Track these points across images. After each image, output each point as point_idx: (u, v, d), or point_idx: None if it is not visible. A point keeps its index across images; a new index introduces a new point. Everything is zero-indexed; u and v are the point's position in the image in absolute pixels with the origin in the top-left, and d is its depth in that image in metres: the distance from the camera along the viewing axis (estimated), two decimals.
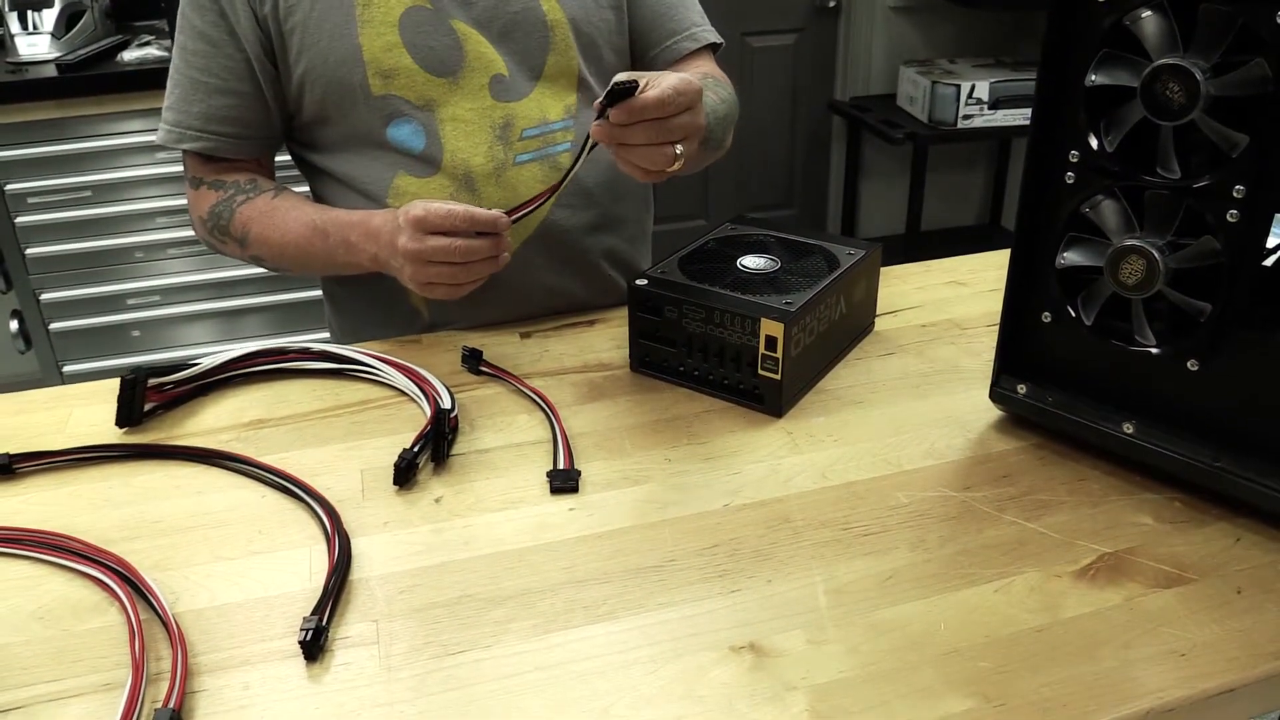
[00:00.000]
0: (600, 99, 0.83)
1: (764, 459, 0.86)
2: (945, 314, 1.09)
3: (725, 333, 0.91)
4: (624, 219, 1.13)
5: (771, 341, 0.88)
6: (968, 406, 0.92)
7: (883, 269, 1.10)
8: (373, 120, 1.02)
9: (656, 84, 0.83)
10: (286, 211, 1.02)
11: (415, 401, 0.94)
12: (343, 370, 0.99)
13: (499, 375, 0.98)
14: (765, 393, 0.91)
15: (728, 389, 0.94)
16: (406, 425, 0.91)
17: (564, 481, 0.82)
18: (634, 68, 1.19)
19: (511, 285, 1.07)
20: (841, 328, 0.98)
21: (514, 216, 0.93)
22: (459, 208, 0.90)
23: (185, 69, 1.02)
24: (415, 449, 0.85)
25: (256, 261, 1.06)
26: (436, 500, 0.82)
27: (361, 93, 1.00)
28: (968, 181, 3.48)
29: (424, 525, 0.79)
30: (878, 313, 1.08)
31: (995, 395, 0.88)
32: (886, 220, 3.39)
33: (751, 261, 0.98)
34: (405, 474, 0.83)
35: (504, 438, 0.90)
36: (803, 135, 3.28)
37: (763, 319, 0.88)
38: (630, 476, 0.84)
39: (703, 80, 1.10)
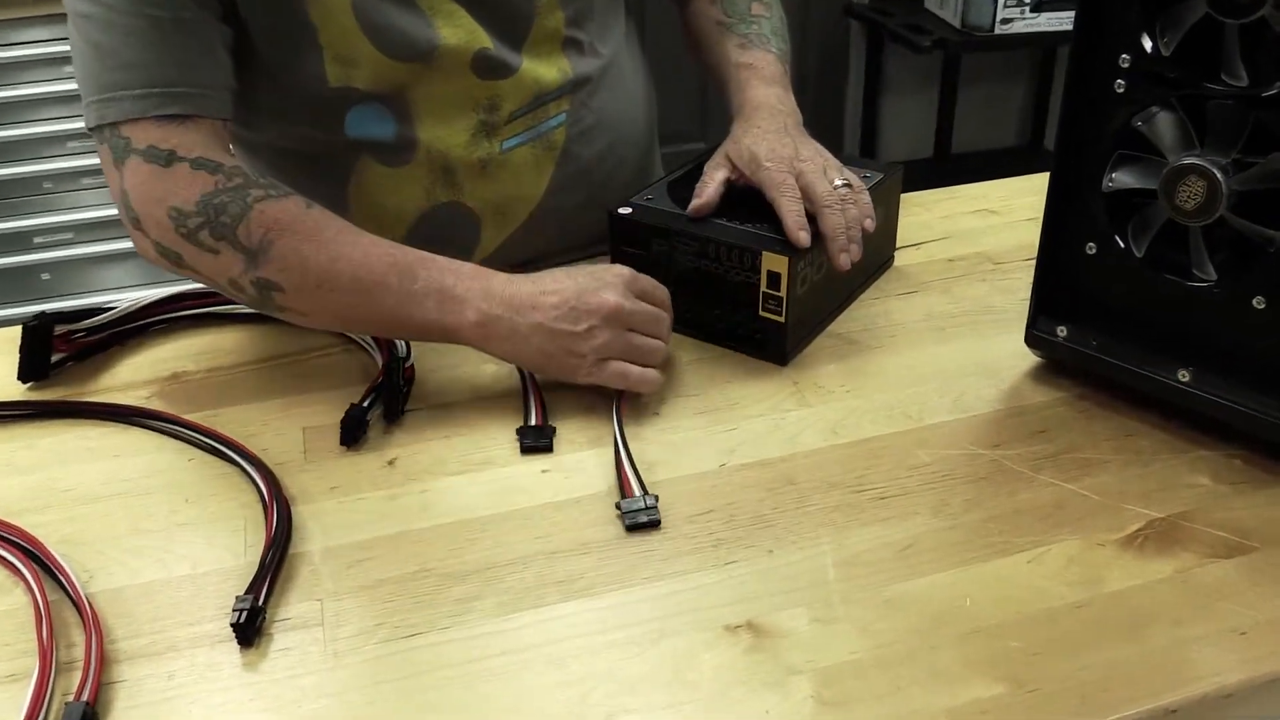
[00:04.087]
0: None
1: (765, 413, 0.85)
2: (975, 246, 1.09)
3: (721, 269, 0.90)
4: (628, 183, 1.10)
5: (774, 279, 0.87)
6: (1000, 352, 0.91)
7: (904, 195, 1.09)
8: (327, 113, 0.96)
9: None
10: (341, 232, 0.86)
11: (366, 349, 0.94)
12: None
13: None
14: (767, 337, 0.91)
15: (725, 333, 0.93)
16: (356, 377, 0.91)
17: (536, 440, 0.82)
18: None
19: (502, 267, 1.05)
20: (856, 262, 0.97)
21: None
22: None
23: (135, 10, 0.85)
24: (365, 404, 0.84)
25: (260, 289, 0.86)
26: (390, 462, 0.81)
27: (316, 83, 0.94)
28: (1006, 96, 3.45)
29: (375, 491, 0.79)
30: (898, 245, 1.07)
31: (1031, 339, 0.88)
32: (911, 141, 3.37)
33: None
34: (354, 432, 0.83)
35: (468, 390, 0.89)
36: (815, 44, 3.24)
37: (764, 253, 0.87)
38: (612, 434, 0.83)
39: (749, 17, 1.09)
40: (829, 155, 0.95)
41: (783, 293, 0.88)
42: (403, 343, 0.91)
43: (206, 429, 0.84)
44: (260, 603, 0.68)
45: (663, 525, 0.75)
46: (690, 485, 0.78)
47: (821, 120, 3.33)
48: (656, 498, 0.76)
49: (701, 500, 0.77)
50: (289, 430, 0.85)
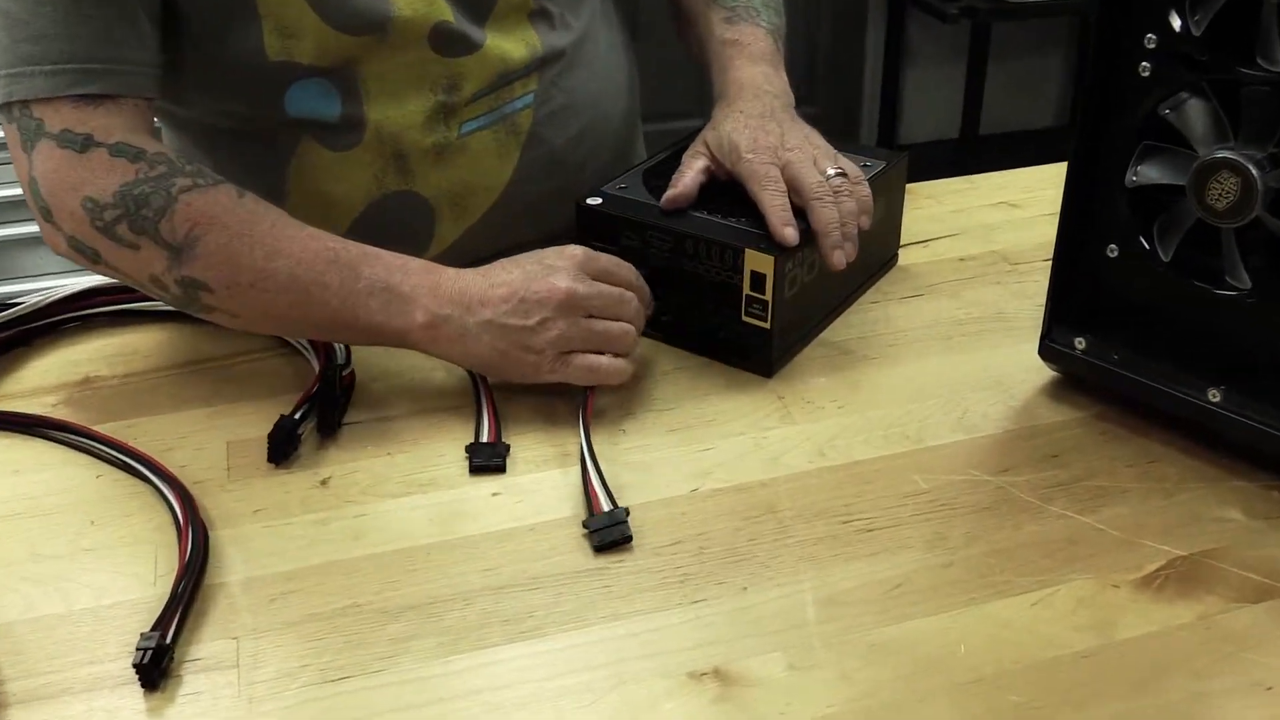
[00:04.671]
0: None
1: (746, 430, 0.85)
2: (990, 244, 1.09)
3: (700, 267, 0.90)
4: (605, 170, 1.10)
5: (759, 280, 0.87)
6: (1012, 365, 0.91)
7: (913, 185, 1.10)
8: (265, 89, 0.96)
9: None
10: (276, 225, 0.86)
11: (301, 352, 0.94)
12: None
13: None
14: (751, 345, 0.90)
15: (704, 340, 0.93)
16: (289, 384, 0.91)
17: (487, 458, 0.82)
18: None
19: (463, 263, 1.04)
20: (853, 262, 0.97)
21: None
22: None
23: None
24: (297, 416, 0.84)
25: (186, 289, 0.85)
26: (322, 482, 0.81)
27: (253, 56, 0.93)
28: (1041, 71, 3.46)
29: (305, 514, 0.78)
30: (902, 242, 1.07)
31: (1046, 351, 0.87)
32: (936, 121, 3.37)
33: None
34: (283, 448, 0.82)
35: (413, 402, 0.89)
36: (829, 11, 3.24)
37: (748, 250, 0.87)
38: (572, 453, 0.83)
39: None
40: (821, 142, 0.95)
41: (768, 296, 0.87)
42: (342, 346, 0.90)
43: (118, 442, 0.84)
44: (168, 640, 0.67)
45: (624, 558, 0.74)
46: (657, 512, 0.78)
47: (835, 97, 3.32)
48: (627, 510, 0.76)
49: (669, 529, 0.76)
50: (211, 444, 0.85)
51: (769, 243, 0.87)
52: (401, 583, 0.73)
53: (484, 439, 0.84)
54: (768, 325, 0.89)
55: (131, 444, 0.83)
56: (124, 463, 0.83)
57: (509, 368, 0.85)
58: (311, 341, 0.92)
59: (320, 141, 0.99)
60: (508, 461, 0.82)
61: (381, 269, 0.85)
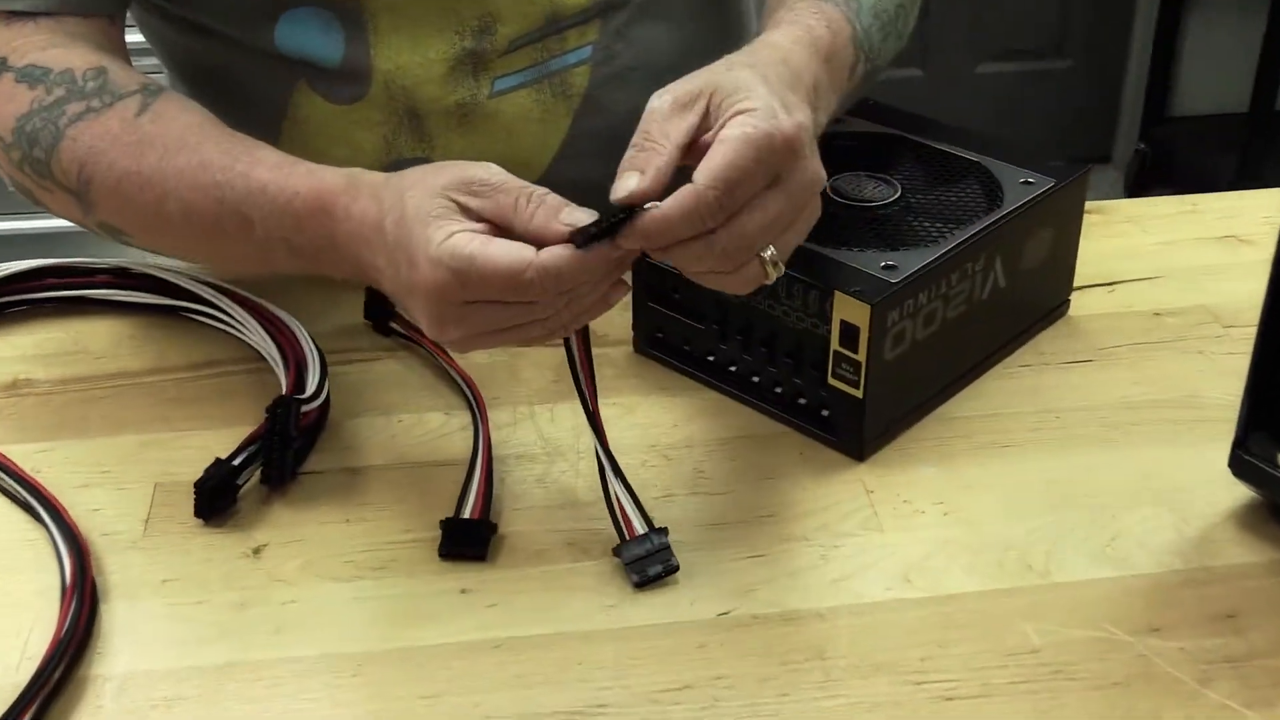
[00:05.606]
0: (577, 231, 0.71)
1: (813, 535, 0.80)
2: (1201, 295, 0.99)
3: (779, 309, 0.84)
4: None
5: (851, 333, 0.80)
6: (1194, 474, 0.83)
7: (1110, 203, 1.03)
8: (250, 13, 0.96)
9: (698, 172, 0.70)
10: (165, 155, 0.84)
11: (275, 370, 0.91)
12: (176, 308, 0.96)
13: (415, 342, 0.94)
14: (837, 415, 0.85)
15: (780, 401, 0.88)
16: (253, 410, 0.87)
17: (461, 542, 0.78)
18: None
19: None
20: (998, 311, 0.90)
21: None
22: (514, 258, 0.70)
23: None
24: (237, 461, 0.81)
25: (110, 234, 0.90)
26: (255, 550, 0.79)
27: None
28: None
29: (223, 592, 0.76)
30: (1078, 284, 0.98)
31: (1238, 464, 0.79)
32: (1222, 87, 3.26)
33: (851, 185, 0.90)
34: (213, 500, 0.80)
35: (394, 451, 0.87)
36: None
37: (838, 293, 0.80)
38: (579, 543, 0.79)
39: None
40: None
41: (861, 355, 0.80)
42: (316, 369, 0.87)
43: (21, 473, 0.82)
44: None
45: (608, 701, 0.69)
46: (669, 639, 0.72)
47: (1094, 51, 3.27)
48: (666, 531, 0.76)
49: (678, 665, 0.71)
50: (137, 483, 0.84)
51: (868, 283, 0.80)
52: (317, 703, 0.70)
53: (466, 514, 0.79)
54: (859, 393, 0.82)
55: (37, 477, 0.82)
56: (24, 500, 0.81)
57: None
58: (283, 355, 0.89)
59: (318, 90, 0.99)
60: (491, 548, 0.78)
61: (272, 218, 0.82)
